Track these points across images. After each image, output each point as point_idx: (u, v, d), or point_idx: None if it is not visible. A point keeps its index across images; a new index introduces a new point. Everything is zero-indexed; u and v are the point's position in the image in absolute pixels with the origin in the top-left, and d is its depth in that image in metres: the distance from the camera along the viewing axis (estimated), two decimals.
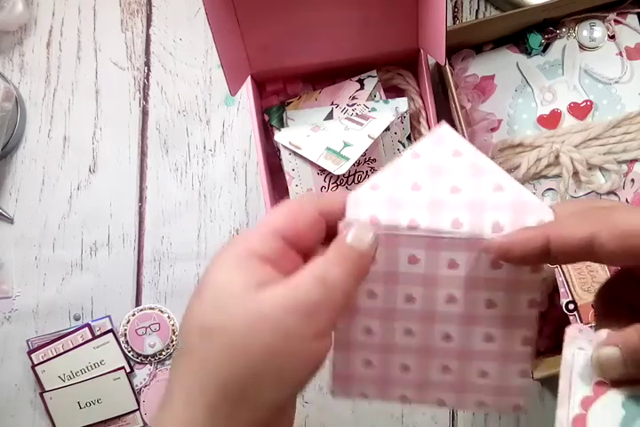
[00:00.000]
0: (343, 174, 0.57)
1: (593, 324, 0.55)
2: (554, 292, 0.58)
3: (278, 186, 0.61)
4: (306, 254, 0.32)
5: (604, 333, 0.28)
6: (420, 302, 0.32)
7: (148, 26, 0.68)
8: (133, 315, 0.64)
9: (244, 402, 0.28)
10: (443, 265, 0.32)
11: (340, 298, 0.29)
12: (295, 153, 0.57)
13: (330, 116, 0.60)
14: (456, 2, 0.67)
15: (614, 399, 0.27)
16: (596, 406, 0.27)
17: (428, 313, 0.32)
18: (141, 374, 0.64)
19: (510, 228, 0.30)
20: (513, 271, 0.31)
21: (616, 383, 0.28)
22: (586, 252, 0.27)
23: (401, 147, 0.58)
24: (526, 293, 0.32)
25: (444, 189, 0.31)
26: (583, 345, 0.29)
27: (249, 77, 0.59)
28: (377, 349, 0.33)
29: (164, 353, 0.64)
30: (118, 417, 0.63)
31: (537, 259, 0.29)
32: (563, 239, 0.28)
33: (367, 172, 0.58)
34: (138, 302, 0.65)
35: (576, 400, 0.28)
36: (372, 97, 0.60)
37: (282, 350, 0.28)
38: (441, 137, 0.32)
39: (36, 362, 0.63)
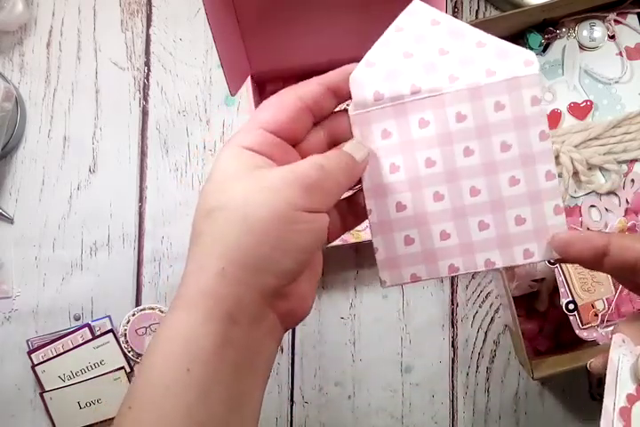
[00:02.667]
0: None
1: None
2: (554, 292, 0.58)
3: None
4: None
5: None
6: (440, 163, 0.34)
7: (148, 26, 0.68)
8: (133, 315, 0.64)
9: (251, 268, 0.30)
10: (452, 120, 0.33)
11: (334, 185, 0.33)
12: None
13: None
14: (456, 2, 0.67)
15: None
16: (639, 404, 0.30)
17: (451, 172, 0.34)
18: None
19: (501, 72, 0.33)
20: (517, 109, 0.33)
21: None
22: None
23: None
24: (534, 127, 0.33)
25: (433, 53, 0.34)
26: (626, 353, 0.31)
27: (249, 77, 0.59)
28: (413, 222, 0.35)
29: None
30: None
31: (591, 258, 0.32)
32: (620, 248, 0.31)
33: None
34: (138, 302, 0.65)
35: (622, 395, 0.30)
36: None
37: (281, 218, 0.30)
38: (416, 10, 0.35)
39: (35, 362, 0.63)
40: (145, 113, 0.67)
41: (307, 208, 0.31)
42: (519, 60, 0.33)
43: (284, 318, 0.33)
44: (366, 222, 0.59)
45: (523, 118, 0.33)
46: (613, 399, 0.30)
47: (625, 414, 0.29)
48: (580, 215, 0.60)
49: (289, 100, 0.35)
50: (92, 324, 0.64)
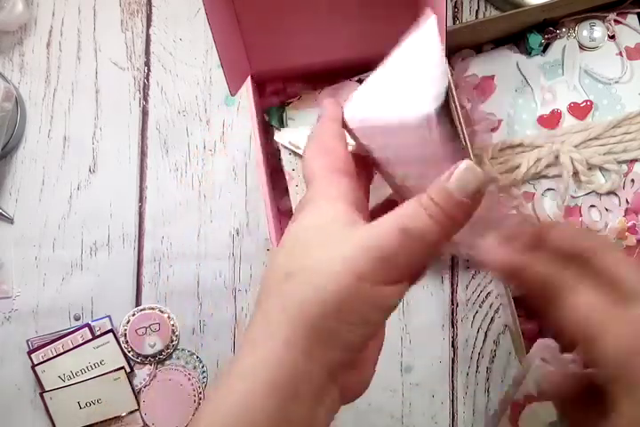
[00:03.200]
0: None
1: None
2: None
3: (278, 186, 0.61)
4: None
5: (568, 357, 0.31)
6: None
7: (148, 26, 0.68)
8: (133, 315, 0.64)
9: (317, 341, 0.28)
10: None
11: (422, 249, 0.28)
12: (295, 153, 0.57)
13: None
14: (456, 2, 0.67)
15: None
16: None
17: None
18: (141, 374, 0.64)
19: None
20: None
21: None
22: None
23: None
24: None
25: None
26: (547, 357, 0.31)
27: (249, 77, 0.59)
28: None
29: (164, 353, 0.64)
30: (118, 417, 0.63)
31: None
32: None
33: None
34: (138, 302, 0.65)
35: (522, 391, 0.31)
36: None
37: (350, 292, 0.28)
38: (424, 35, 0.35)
39: (35, 362, 0.63)
40: (145, 113, 0.67)
41: (380, 282, 0.28)
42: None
43: (346, 393, 0.31)
44: None
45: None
46: (515, 392, 0.31)
47: (516, 407, 0.31)
48: (580, 215, 0.60)
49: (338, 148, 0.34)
50: (92, 324, 0.64)
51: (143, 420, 0.63)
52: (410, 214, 0.28)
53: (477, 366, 0.64)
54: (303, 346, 0.28)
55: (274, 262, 0.30)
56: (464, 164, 0.29)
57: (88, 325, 0.64)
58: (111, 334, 0.63)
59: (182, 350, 0.65)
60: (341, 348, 0.29)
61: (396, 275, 0.28)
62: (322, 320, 0.28)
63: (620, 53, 0.61)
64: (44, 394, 0.63)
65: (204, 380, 0.65)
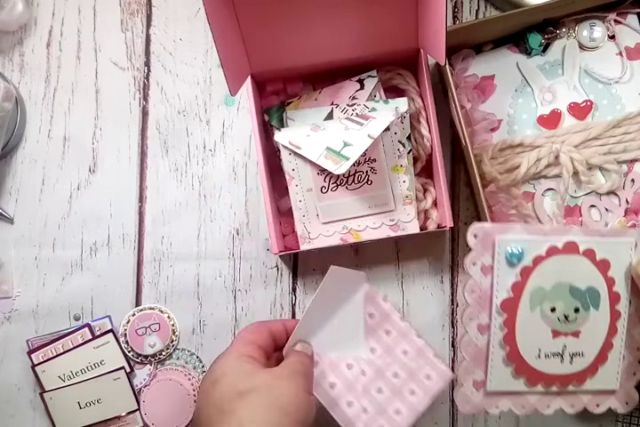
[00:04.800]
0: (343, 174, 0.57)
1: None
2: None
3: (278, 186, 0.61)
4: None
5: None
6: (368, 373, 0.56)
7: (148, 26, 0.68)
8: (133, 315, 0.64)
9: None
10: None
11: (311, 372, 0.52)
12: (295, 153, 0.57)
13: (330, 116, 0.60)
14: (456, 2, 0.67)
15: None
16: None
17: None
18: (141, 374, 0.64)
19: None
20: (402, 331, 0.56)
21: None
22: None
23: (401, 147, 0.58)
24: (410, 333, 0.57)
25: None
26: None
27: (249, 77, 0.59)
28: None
29: (163, 353, 0.64)
30: (118, 417, 0.63)
31: None
32: None
33: (367, 172, 0.58)
34: (138, 302, 0.65)
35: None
36: (371, 97, 0.60)
37: (301, 398, 0.47)
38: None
39: (35, 362, 0.63)
40: (145, 113, 0.67)
41: (309, 389, 0.49)
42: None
43: None
44: (365, 222, 0.60)
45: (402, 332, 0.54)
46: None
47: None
48: (580, 215, 0.60)
49: (264, 330, 0.53)
50: (92, 324, 0.64)
51: (143, 420, 0.63)
52: (298, 356, 0.53)
53: None
54: None
55: (221, 385, 0.47)
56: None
57: (88, 325, 0.64)
58: (111, 334, 0.63)
59: (182, 350, 0.65)
60: None
61: (310, 387, 0.51)
62: (283, 423, 0.44)
63: (620, 53, 0.61)
64: (44, 394, 0.63)
65: None
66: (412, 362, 0.51)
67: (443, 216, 0.59)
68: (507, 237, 0.32)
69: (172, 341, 0.64)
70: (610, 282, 0.32)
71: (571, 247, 0.32)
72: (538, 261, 0.32)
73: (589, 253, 0.32)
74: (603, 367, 0.32)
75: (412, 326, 0.56)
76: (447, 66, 0.56)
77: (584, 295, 0.32)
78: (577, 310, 0.32)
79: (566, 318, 0.32)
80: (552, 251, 0.32)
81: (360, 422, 0.52)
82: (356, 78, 0.61)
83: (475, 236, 0.32)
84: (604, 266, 0.32)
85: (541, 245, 0.32)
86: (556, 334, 0.32)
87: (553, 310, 0.32)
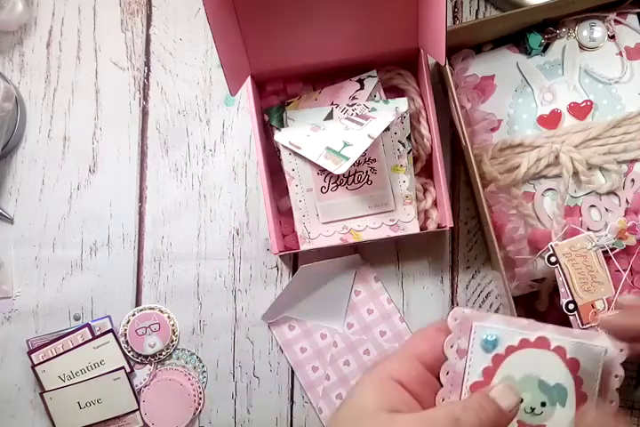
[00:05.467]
0: (343, 174, 0.57)
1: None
2: (554, 292, 0.58)
3: (278, 186, 0.61)
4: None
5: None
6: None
7: (148, 26, 0.68)
8: (133, 315, 0.64)
9: None
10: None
11: None
12: (295, 153, 0.57)
13: (330, 116, 0.59)
14: (456, 2, 0.67)
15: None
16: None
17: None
18: (141, 374, 0.64)
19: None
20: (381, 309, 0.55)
21: None
22: None
23: (401, 147, 0.58)
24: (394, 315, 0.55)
25: None
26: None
27: (249, 77, 0.59)
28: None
29: (163, 353, 0.64)
30: (118, 417, 0.63)
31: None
32: None
33: (367, 172, 0.58)
34: (138, 302, 0.65)
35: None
36: (372, 97, 0.60)
37: None
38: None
39: (35, 362, 0.63)
40: (145, 113, 0.67)
41: None
42: None
43: None
44: (365, 222, 0.60)
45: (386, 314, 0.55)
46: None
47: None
48: (580, 215, 0.59)
49: (440, 338, 0.35)
50: (92, 324, 0.64)
51: (143, 420, 0.63)
52: (461, 408, 0.32)
53: None
54: None
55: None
56: (502, 386, 0.33)
57: (88, 325, 0.64)
58: (111, 334, 0.63)
59: (182, 350, 0.65)
60: None
61: None
62: None
63: (620, 53, 0.61)
64: (44, 394, 0.63)
65: (204, 380, 0.65)
66: (386, 343, 0.53)
67: (443, 216, 0.59)
68: (484, 324, 0.34)
69: (172, 341, 0.64)
70: (578, 381, 0.34)
71: (542, 342, 0.34)
72: (510, 350, 0.34)
73: (560, 351, 0.34)
74: None
75: (414, 322, 0.57)
76: (447, 66, 0.56)
77: (552, 391, 0.34)
78: (543, 404, 0.34)
79: (532, 410, 0.34)
80: (524, 343, 0.34)
81: (320, 386, 0.56)
82: (356, 78, 0.61)
83: (455, 319, 0.34)
84: (573, 365, 0.34)
85: (515, 337, 0.34)
86: (521, 424, 0.34)
87: (520, 400, 0.34)
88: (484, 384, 0.33)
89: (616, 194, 0.60)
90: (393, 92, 0.62)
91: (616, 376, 0.34)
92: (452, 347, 0.34)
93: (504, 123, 0.61)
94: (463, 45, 0.61)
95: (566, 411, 0.33)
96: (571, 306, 0.55)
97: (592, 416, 0.33)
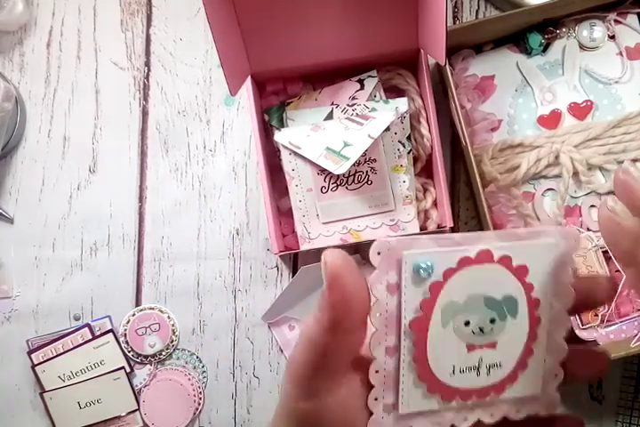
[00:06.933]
0: (343, 174, 0.57)
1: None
2: None
3: (278, 186, 0.61)
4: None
5: None
6: None
7: (148, 26, 0.68)
8: (133, 315, 0.64)
9: None
10: None
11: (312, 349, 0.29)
12: (295, 153, 0.57)
13: (330, 116, 0.59)
14: (456, 2, 0.67)
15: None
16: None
17: None
18: (141, 374, 0.64)
19: None
20: None
21: None
22: None
23: (401, 147, 0.58)
24: None
25: None
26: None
27: (249, 77, 0.59)
28: None
29: (163, 353, 0.64)
30: (118, 417, 0.63)
31: None
32: None
33: (367, 172, 0.58)
34: (138, 302, 0.65)
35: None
36: (372, 97, 0.60)
37: None
38: None
39: (35, 362, 0.63)
40: (145, 113, 0.67)
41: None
42: None
43: None
44: (365, 222, 0.60)
45: None
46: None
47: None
48: (580, 215, 0.59)
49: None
50: (92, 324, 0.64)
51: (143, 420, 0.63)
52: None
53: None
54: None
55: None
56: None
57: (88, 325, 0.64)
58: (111, 334, 0.63)
59: (182, 350, 0.65)
60: None
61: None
62: None
63: (620, 53, 0.61)
64: (44, 394, 0.63)
65: (204, 380, 0.65)
66: None
67: (443, 216, 0.59)
68: (413, 252, 0.29)
69: (172, 341, 0.64)
70: (528, 288, 0.31)
71: (485, 256, 0.30)
72: (449, 274, 0.30)
73: (505, 261, 0.30)
74: (523, 375, 0.31)
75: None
76: (447, 66, 0.56)
77: (500, 305, 0.30)
78: (493, 321, 0.30)
79: (481, 330, 0.31)
80: (464, 262, 0.29)
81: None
82: (356, 78, 0.61)
83: (378, 253, 0.29)
84: (521, 272, 0.31)
85: (452, 257, 0.30)
86: (471, 348, 0.30)
87: (467, 323, 0.30)
88: (425, 319, 0.29)
89: None
90: (393, 92, 0.62)
91: (571, 270, 0.31)
92: (380, 284, 0.29)
93: (504, 123, 0.61)
94: (463, 45, 0.61)
95: (518, 321, 0.30)
96: None
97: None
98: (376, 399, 0.30)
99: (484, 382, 0.31)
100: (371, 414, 0.30)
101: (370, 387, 0.29)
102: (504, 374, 0.31)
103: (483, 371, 0.30)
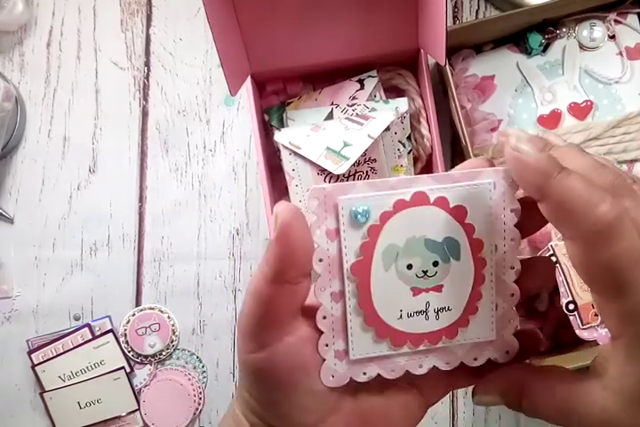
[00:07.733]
0: (343, 174, 0.57)
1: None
2: (554, 292, 0.58)
3: (278, 186, 0.61)
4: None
5: None
6: None
7: (148, 26, 0.68)
8: (133, 315, 0.64)
9: None
10: None
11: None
12: (295, 153, 0.57)
13: (330, 116, 0.59)
14: (456, 2, 0.67)
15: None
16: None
17: None
18: (141, 374, 0.64)
19: None
20: None
21: None
22: None
23: (401, 147, 0.58)
24: None
25: None
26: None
27: (249, 77, 0.59)
28: None
29: (163, 353, 0.64)
30: (118, 417, 0.63)
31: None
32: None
33: (367, 172, 0.58)
34: (138, 302, 0.65)
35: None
36: (372, 97, 0.60)
37: None
38: None
39: (35, 362, 0.63)
40: (145, 113, 0.67)
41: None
42: None
43: None
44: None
45: None
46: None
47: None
48: None
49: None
50: (92, 324, 0.64)
51: (143, 420, 0.63)
52: None
53: None
54: None
55: None
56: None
57: (88, 325, 0.64)
58: (111, 334, 0.63)
59: (182, 350, 0.65)
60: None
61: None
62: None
63: (620, 53, 0.61)
64: (44, 394, 0.63)
65: (204, 380, 0.65)
66: None
67: None
68: (349, 197, 0.29)
69: (172, 341, 0.64)
70: (469, 229, 0.30)
71: (420, 198, 0.29)
72: (386, 217, 0.29)
73: (441, 202, 0.29)
74: (474, 319, 0.31)
75: None
76: (447, 66, 0.56)
77: (441, 247, 0.30)
78: (436, 264, 0.30)
79: (425, 273, 0.30)
80: (400, 205, 0.29)
81: None
82: (356, 78, 0.61)
83: (316, 199, 0.29)
84: (459, 213, 0.30)
85: (388, 200, 0.29)
86: (416, 291, 0.30)
87: (409, 267, 0.30)
88: (366, 262, 0.29)
89: None
90: (393, 92, 0.62)
91: (512, 211, 0.31)
92: (319, 230, 0.29)
93: (504, 123, 0.61)
94: (463, 45, 0.61)
95: (462, 264, 0.29)
96: (571, 306, 0.55)
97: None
98: (327, 346, 0.29)
99: (433, 326, 0.30)
100: (323, 360, 0.30)
101: (320, 334, 0.30)
102: (453, 318, 0.30)
103: (431, 315, 0.30)
